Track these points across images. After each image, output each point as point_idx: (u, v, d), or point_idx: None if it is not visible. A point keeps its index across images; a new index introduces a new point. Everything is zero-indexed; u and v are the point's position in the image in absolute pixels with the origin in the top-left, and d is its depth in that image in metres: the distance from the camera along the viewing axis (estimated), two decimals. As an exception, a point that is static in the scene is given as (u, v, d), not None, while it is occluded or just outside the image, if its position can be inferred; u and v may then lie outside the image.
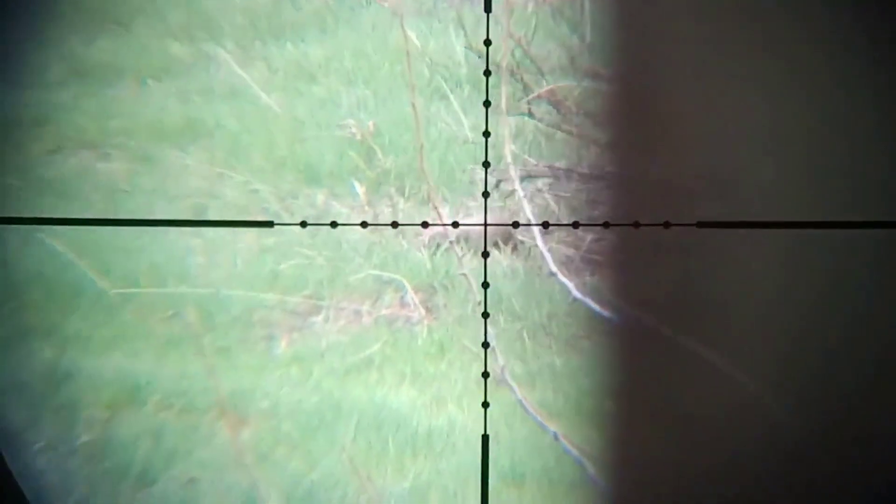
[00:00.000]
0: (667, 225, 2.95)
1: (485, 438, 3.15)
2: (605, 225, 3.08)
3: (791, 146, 2.89)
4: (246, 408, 3.57)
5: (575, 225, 3.27)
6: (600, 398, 3.14)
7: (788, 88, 2.87)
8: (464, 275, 3.61)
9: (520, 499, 3.44)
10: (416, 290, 3.79)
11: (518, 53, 3.78)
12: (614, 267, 3.14)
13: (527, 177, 3.71)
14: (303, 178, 3.91)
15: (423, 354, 3.68)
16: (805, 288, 2.91)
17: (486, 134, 3.21)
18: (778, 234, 2.90)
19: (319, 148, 3.95)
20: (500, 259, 3.75)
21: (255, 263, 3.76)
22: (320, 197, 3.88)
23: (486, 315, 3.25)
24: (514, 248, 3.76)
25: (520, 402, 3.47)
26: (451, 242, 3.69)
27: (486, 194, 3.23)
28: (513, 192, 3.67)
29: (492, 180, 3.63)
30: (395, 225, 3.75)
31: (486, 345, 3.23)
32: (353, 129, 3.96)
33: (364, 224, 3.74)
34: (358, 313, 3.75)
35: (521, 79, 3.77)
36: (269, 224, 3.57)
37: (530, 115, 3.77)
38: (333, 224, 3.60)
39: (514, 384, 3.48)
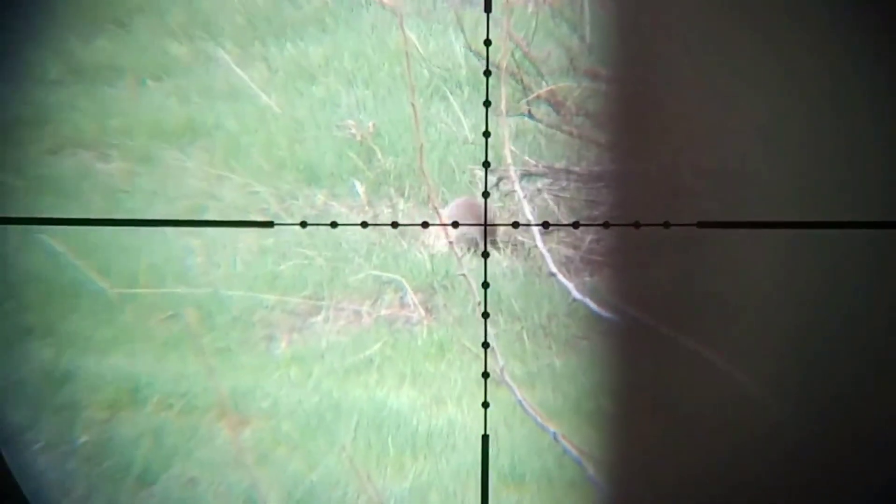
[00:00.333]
0: (667, 225, 2.95)
1: (485, 438, 3.15)
2: (605, 225, 3.08)
3: (791, 146, 2.89)
4: (246, 408, 3.57)
5: (575, 225, 3.27)
6: (600, 398, 3.14)
7: (788, 88, 2.87)
8: (463, 275, 3.61)
9: (520, 499, 3.43)
10: (416, 291, 3.79)
11: (518, 54, 3.78)
12: (614, 267, 3.14)
13: (526, 177, 3.71)
14: (303, 178, 3.91)
15: (423, 355, 3.68)
16: (805, 288, 2.91)
17: (487, 134, 3.21)
18: (778, 234, 2.90)
19: (319, 148, 3.95)
20: (500, 259, 3.75)
21: (255, 264, 3.77)
22: (320, 197, 3.88)
23: (486, 315, 3.25)
24: (514, 249, 3.76)
25: (519, 402, 3.47)
26: (450, 243, 3.69)
27: (486, 194, 3.23)
28: (512, 192, 3.67)
29: (492, 179, 3.63)
30: (395, 225, 3.76)
31: (486, 345, 3.23)
32: (353, 130, 3.96)
33: (364, 224, 3.74)
34: (358, 314, 3.75)
35: (521, 80, 3.78)
36: (270, 224, 3.58)
37: (530, 115, 3.78)
38: (333, 224, 3.60)
39: (513, 384, 3.48)
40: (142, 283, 3.66)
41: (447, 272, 3.76)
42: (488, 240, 3.70)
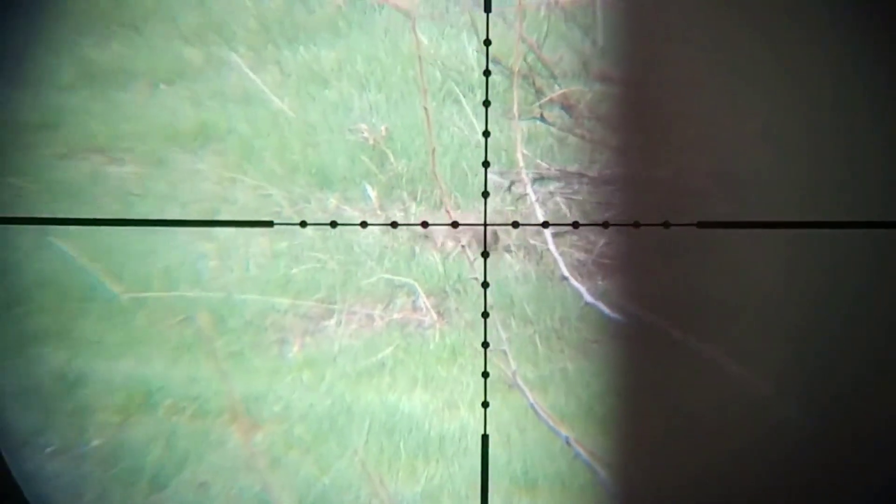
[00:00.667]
0: (667, 225, 2.94)
1: (484, 438, 3.14)
2: (605, 225, 3.08)
3: (792, 147, 2.88)
4: (258, 412, 3.57)
5: (575, 225, 3.26)
6: (612, 402, 3.13)
7: (791, 91, 2.87)
8: (475, 279, 3.60)
9: (532, 503, 3.43)
10: (429, 294, 3.78)
11: (530, 58, 3.77)
12: (621, 270, 3.14)
13: (539, 180, 3.70)
14: (315, 182, 3.91)
15: (435, 358, 3.67)
16: (805, 288, 2.91)
17: (486, 134, 3.20)
18: (778, 234, 2.89)
19: (332, 152, 3.94)
20: (513, 263, 3.74)
21: (267, 267, 3.76)
22: (332, 201, 3.88)
23: (485, 315, 3.24)
24: (527, 253, 3.75)
25: (532, 406, 3.46)
26: (462, 247, 3.69)
27: (485, 194, 3.23)
28: (525, 195, 3.67)
29: (504, 183, 3.63)
30: (394, 225, 3.75)
31: (485, 344, 3.22)
32: (366, 134, 3.96)
33: (364, 224, 3.73)
34: (370, 317, 3.75)
35: (534, 83, 3.77)
36: (269, 224, 3.58)
37: (542, 119, 3.77)
38: (333, 224, 3.60)
39: (526, 388, 3.47)
40: (154, 287, 3.67)
41: (459, 276, 3.75)
42: (500, 245, 3.70)
